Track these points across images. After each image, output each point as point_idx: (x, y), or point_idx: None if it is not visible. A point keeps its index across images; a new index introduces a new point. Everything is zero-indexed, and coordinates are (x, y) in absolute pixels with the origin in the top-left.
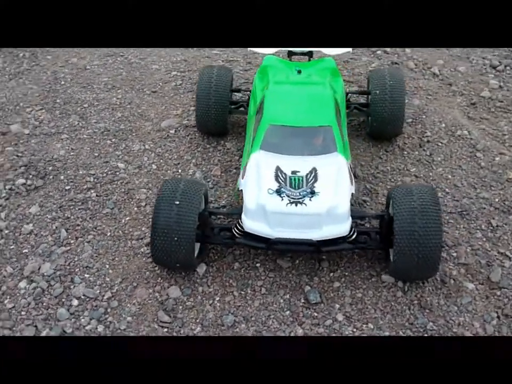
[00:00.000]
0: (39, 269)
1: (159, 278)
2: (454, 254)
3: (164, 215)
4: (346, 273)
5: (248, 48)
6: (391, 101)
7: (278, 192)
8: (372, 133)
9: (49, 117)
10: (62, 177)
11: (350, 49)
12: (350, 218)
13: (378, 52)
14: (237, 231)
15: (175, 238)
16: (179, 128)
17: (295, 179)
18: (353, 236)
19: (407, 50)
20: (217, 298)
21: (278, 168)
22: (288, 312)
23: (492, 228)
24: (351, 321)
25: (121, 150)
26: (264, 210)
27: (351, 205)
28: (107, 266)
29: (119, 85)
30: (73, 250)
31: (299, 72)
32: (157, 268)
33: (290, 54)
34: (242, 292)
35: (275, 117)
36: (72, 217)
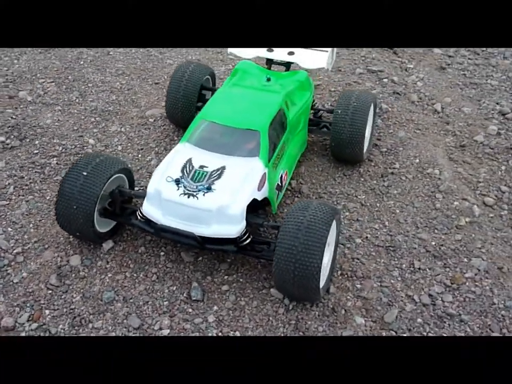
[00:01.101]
0: None
1: (69, 246)
2: (358, 286)
3: (70, 182)
4: (241, 280)
5: (228, 50)
6: (351, 122)
7: (177, 181)
8: (333, 154)
9: (55, 89)
10: (36, 142)
11: (324, 66)
12: (244, 222)
13: (385, 80)
14: (140, 213)
15: (74, 207)
16: (159, 118)
17: (198, 173)
18: (246, 241)
19: (419, 83)
20: (110, 275)
21: (189, 160)
22: (166, 302)
23: (412, 269)
24: (220, 325)
25: (99, 128)
26: (160, 196)
27: (257, 212)
28: (31, 225)
29: (128, 72)
30: (10, 205)
31: (268, 79)
32: (72, 238)
33: (269, 62)
34: (135, 275)
35: (209, 114)
36: (25, 177)
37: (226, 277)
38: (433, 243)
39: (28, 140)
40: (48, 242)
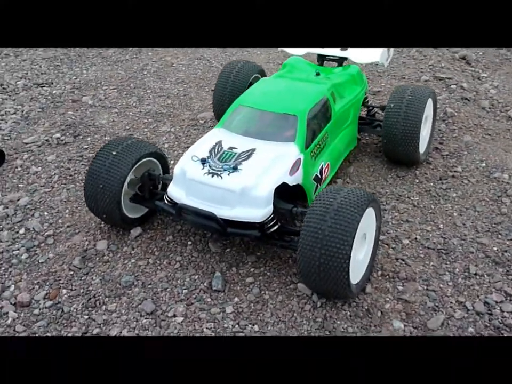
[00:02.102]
0: (18, 200)
1: (99, 231)
2: (400, 288)
3: (99, 161)
4: (268, 273)
5: (279, 49)
6: (404, 116)
7: (203, 161)
8: (386, 154)
9: (116, 95)
10: (88, 139)
11: (378, 59)
12: (271, 206)
13: (453, 86)
14: (167, 197)
15: (101, 185)
16: (209, 120)
17: (226, 153)
18: (273, 228)
19: (492, 91)
20: (133, 261)
21: (218, 143)
22: (185, 290)
23: (467, 274)
24: (237, 317)
25: (149, 128)
26: (184, 176)
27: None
28: (67, 211)
29: (188, 81)
30: (52, 192)
31: (317, 74)
32: (103, 224)
33: (321, 58)
34: (158, 261)
35: (247, 99)
36: (71, 168)
37: (252, 269)
38: (495, 248)
39: (81, 137)
40: (80, 228)
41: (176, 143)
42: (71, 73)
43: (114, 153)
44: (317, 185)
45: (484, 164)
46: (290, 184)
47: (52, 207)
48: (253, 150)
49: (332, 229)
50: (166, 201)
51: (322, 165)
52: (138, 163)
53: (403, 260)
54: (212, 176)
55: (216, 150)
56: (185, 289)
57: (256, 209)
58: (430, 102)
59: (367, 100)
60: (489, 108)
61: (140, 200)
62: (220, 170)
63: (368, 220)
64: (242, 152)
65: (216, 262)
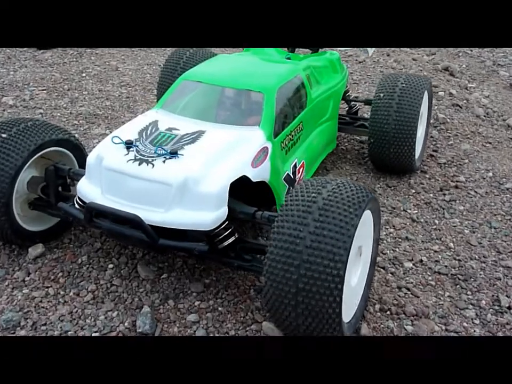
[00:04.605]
0: None
1: None
2: (409, 328)
3: None
4: (220, 308)
5: None
6: (397, 108)
7: (129, 144)
8: (372, 159)
9: (45, 96)
10: None
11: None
12: (225, 208)
13: (441, 93)
14: (77, 197)
15: None
16: None
17: (163, 135)
18: (227, 240)
19: (484, 100)
20: (25, 291)
21: (153, 123)
22: (96, 334)
23: (497, 307)
24: None
25: (79, 130)
26: (100, 165)
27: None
28: None
29: (133, 84)
30: None
31: (288, 59)
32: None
33: None
34: (62, 292)
35: (195, 74)
36: None
37: (197, 302)
38: None
39: None
40: None
41: None
42: None
43: (4, 135)
44: (288, 188)
45: (490, 174)
46: (253, 180)
47: None
48: (201, 132)
49: (316, 237)
50: (76, 204)
51: (295, 163)
52: (41, 152)
53: (408, 289)
54: (140, 164)
55: (148, 131)
56: (95, 332)
57: (203, 212)
58: (426, 96)
59: (348, 94)
60: (485, 116)
61: (44, 206)
62: (152, 156)
63: (365, 228)
64: (186, 134)
65: (146, 292)
